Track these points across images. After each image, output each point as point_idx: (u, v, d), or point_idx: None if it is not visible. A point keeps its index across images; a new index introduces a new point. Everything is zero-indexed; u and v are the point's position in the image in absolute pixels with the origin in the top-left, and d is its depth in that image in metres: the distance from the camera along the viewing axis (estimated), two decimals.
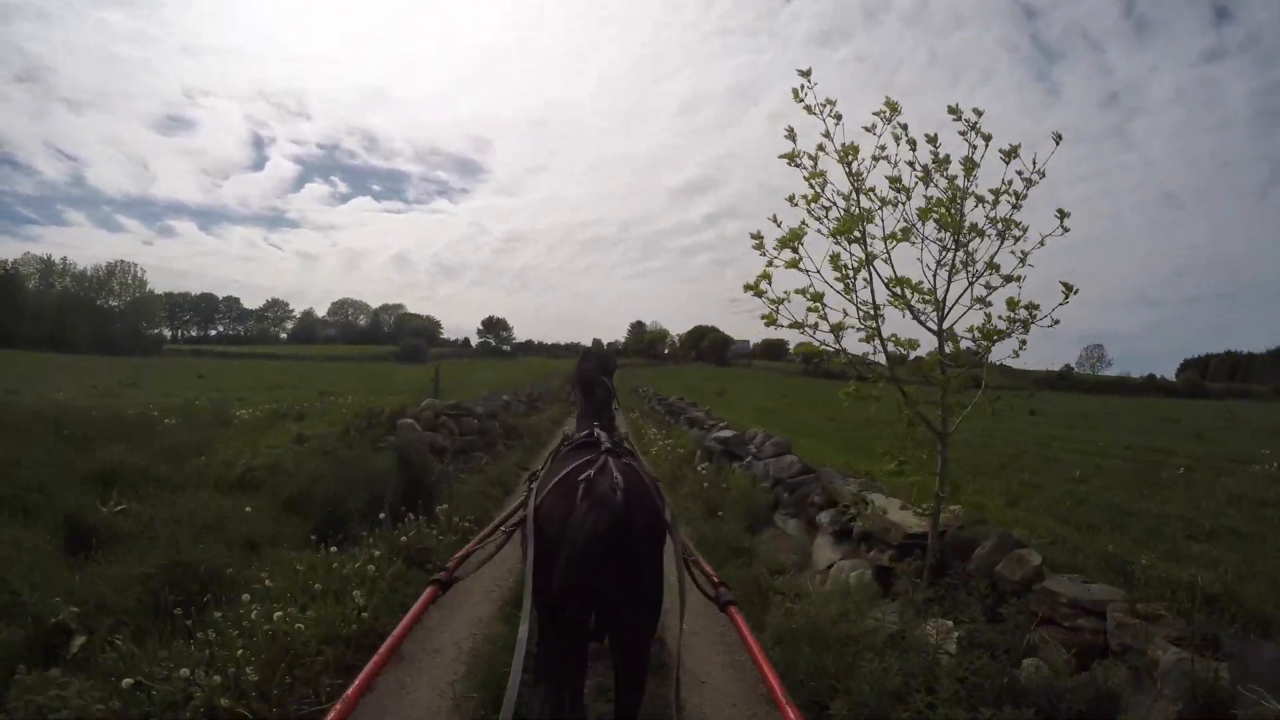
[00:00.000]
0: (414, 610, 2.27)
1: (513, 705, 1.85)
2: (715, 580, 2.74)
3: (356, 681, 1.80)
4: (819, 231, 4.41)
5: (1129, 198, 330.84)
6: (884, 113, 4.46)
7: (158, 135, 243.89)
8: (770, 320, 4.40)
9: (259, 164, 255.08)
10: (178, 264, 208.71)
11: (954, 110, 4.58)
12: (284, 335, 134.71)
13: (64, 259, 74.56)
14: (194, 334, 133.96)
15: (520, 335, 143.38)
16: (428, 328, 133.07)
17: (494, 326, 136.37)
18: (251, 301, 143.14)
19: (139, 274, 79.92)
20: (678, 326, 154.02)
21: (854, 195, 4.44)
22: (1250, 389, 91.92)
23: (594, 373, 3.56)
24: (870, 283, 4.45)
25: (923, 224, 4.59)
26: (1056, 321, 4.51)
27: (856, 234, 4.40)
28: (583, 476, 2.56)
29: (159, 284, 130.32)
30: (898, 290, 4.52)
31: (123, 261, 79.78)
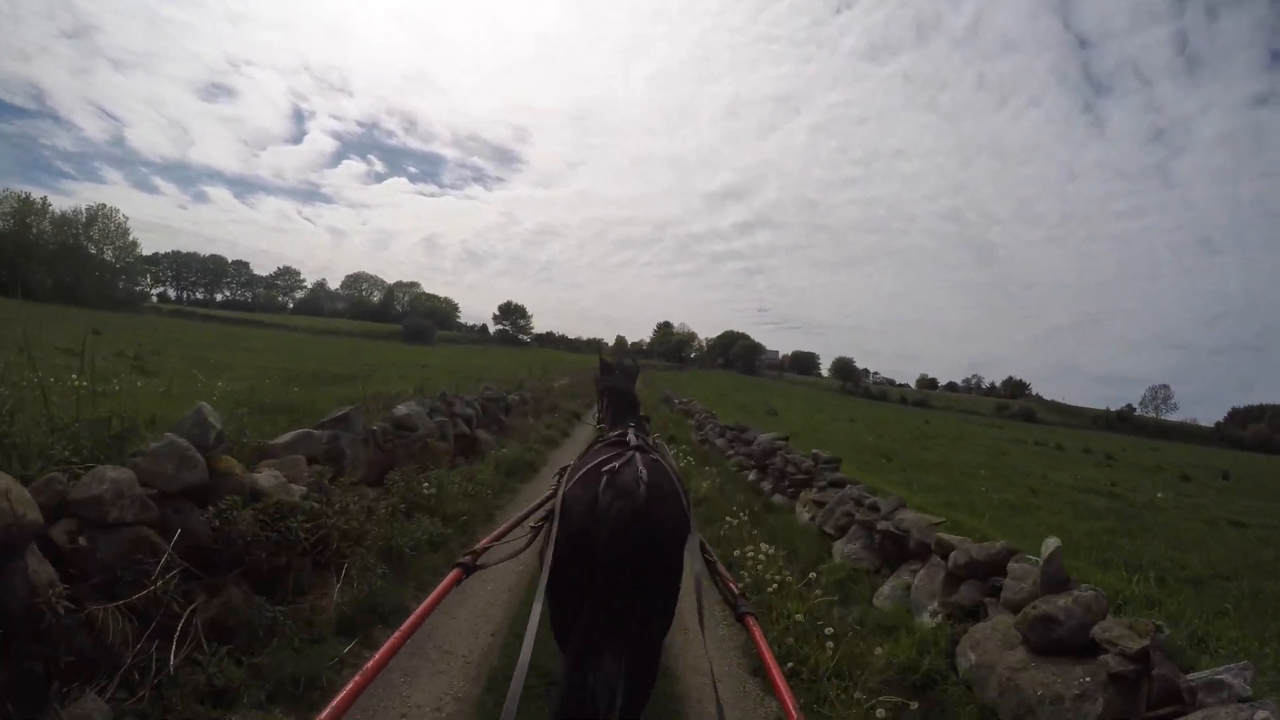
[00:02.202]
0: (438, 591, 2.21)
1: (522, 679, 1.76)
2: (735, 589, 2.69)
3: (377, 655, 1.79)
4: None
5: (1166, 238, 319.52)
6: None
7: (200, 101, 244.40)
8: None
9: (297, 137, 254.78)
10: (209, 229, 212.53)
11: None
12: (292, 305, 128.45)
13: (44, 199, 67.96)
14: (199, 296, 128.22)
15: (541, 327, 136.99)
16: (443, 310, 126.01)
17: (511, 313, 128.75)
18: (265, 268, 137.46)
19: (121, 221, 73.10)
20: (703, 332, 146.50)
21: None
22: None
23: (628, 383, 3.80)
24: None
25: None
26: None
27: None
28: (608, 468, 2.47)
29: (191, 248, 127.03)
30: None
31: (105, 206, 73.15)
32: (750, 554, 5.92)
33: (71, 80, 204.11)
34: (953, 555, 5.17)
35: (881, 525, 6.27)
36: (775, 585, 5.35)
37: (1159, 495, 14.03)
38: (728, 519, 7.22)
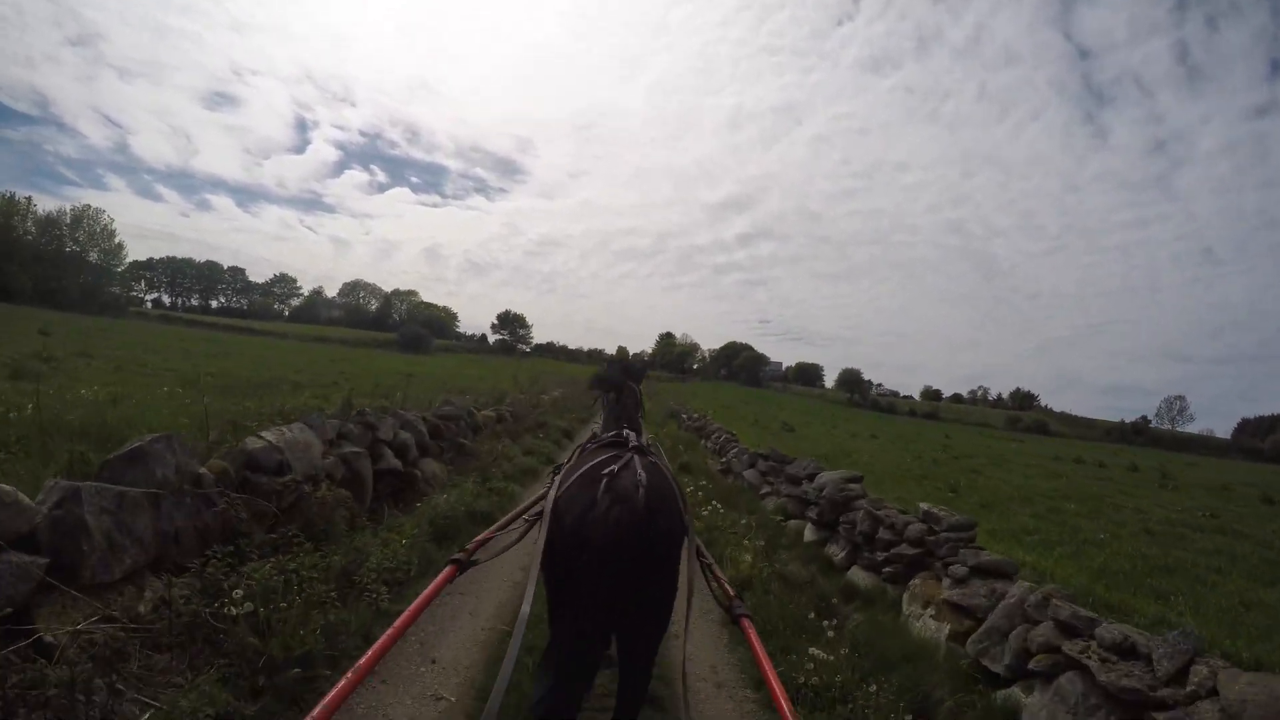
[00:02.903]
0: (432, 587, 2.19)
1: (505, 681, 1.75)
2: (730, 591, 2.65)
3: (370, 651, 1.77)
4: None
5: (1167, 249, 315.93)
6: None
7: (203, 109, 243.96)
8: None
9: (300, 147, 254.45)
10: (212, 238, 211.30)
11: None
12: (287, 313, 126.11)
13: (28, 199, 65.67)
14: (194, 303, 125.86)
15: (544, 338, 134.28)
16: (440, 319, 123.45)
17: (510, 323, 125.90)
18: (265, 277, 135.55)
19: (107, 223, 70.73)
20: (705, 343, 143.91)
21: None
22: None
23: (622, 378, 3.60)
24: None
25: None
26: None
27: None
28: (606, 471, 2.41)
29: (194, 256, 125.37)
30: None
31: (90, 208, 70.80)
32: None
33: (76, 87, 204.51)
34: None
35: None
36: None
37: None
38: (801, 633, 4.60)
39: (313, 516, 4.92)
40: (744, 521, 7.77)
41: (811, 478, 8.53)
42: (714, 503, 8.63)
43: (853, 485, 7.48)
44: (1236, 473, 38.66)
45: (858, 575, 6.40)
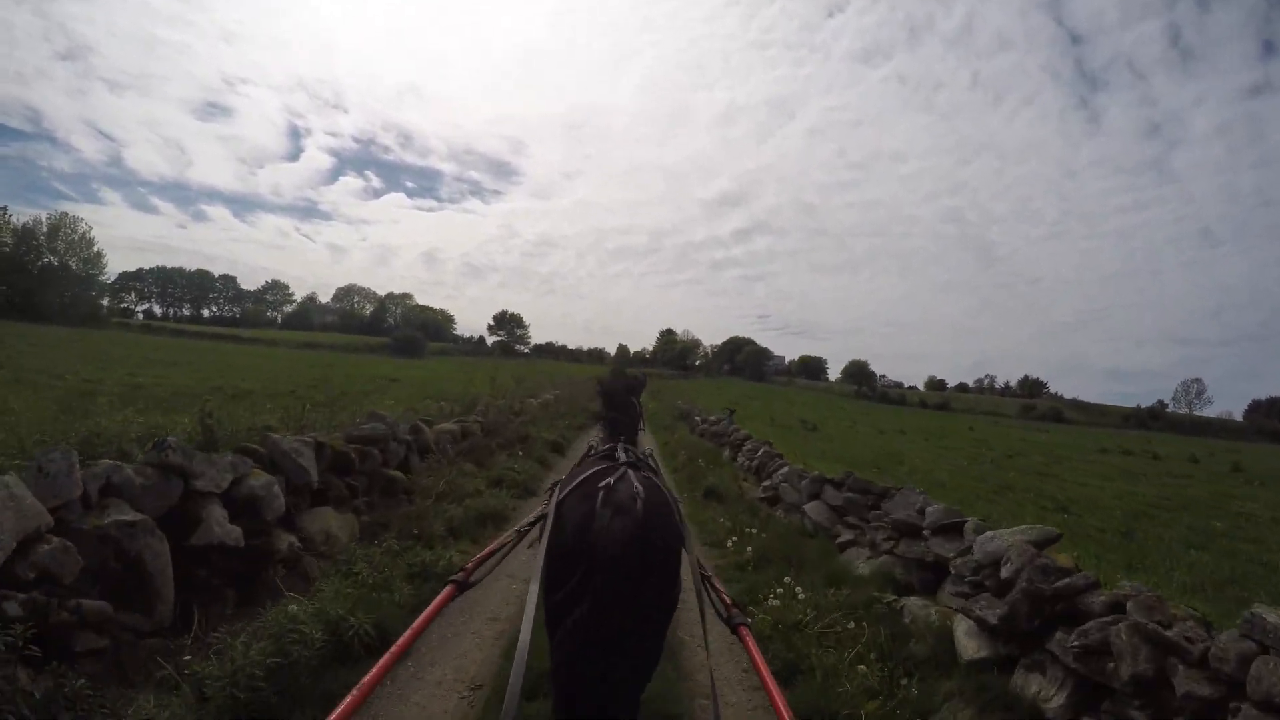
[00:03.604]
0: (431, 608, 2.21)
1: (517, 698, 1.70)
2: (728, 601, 2.63)
3: (372, 671, 1.77)
4: None
5: (1165, 231, 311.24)
6: None
7: (196, 120, 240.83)
8: None
9: (294, 154, 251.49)
10: (210, 249, 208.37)
11: None
12: (280, 320, 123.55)
13: (3, 209, 62.98)
14: (186, 313, 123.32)
15: (544, 338, 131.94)
16: (437, 321, 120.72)
17: (506, 323, 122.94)
18: (258, 284, 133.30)
19: (85, 231, 67.89)
20: (706, 339, 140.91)
21: None
22: None
23: (624, 394, 3.56)
24: None
25: None
26: None
27: None
28: (603, 484, 2.42)
29: (192, 267, 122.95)
30: None
31: (67, 216, 67.74)
32: None
33: (68, 102, 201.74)
34: None
35: None
36: None
37: None
38: None
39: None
40: (850, 626, 4.55)
41: (949, 532, 5.19)
42: (774, 569, 5.77)
43: (1056, 563, 3.93)
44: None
45: None
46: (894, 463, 12.83)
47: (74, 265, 67.96)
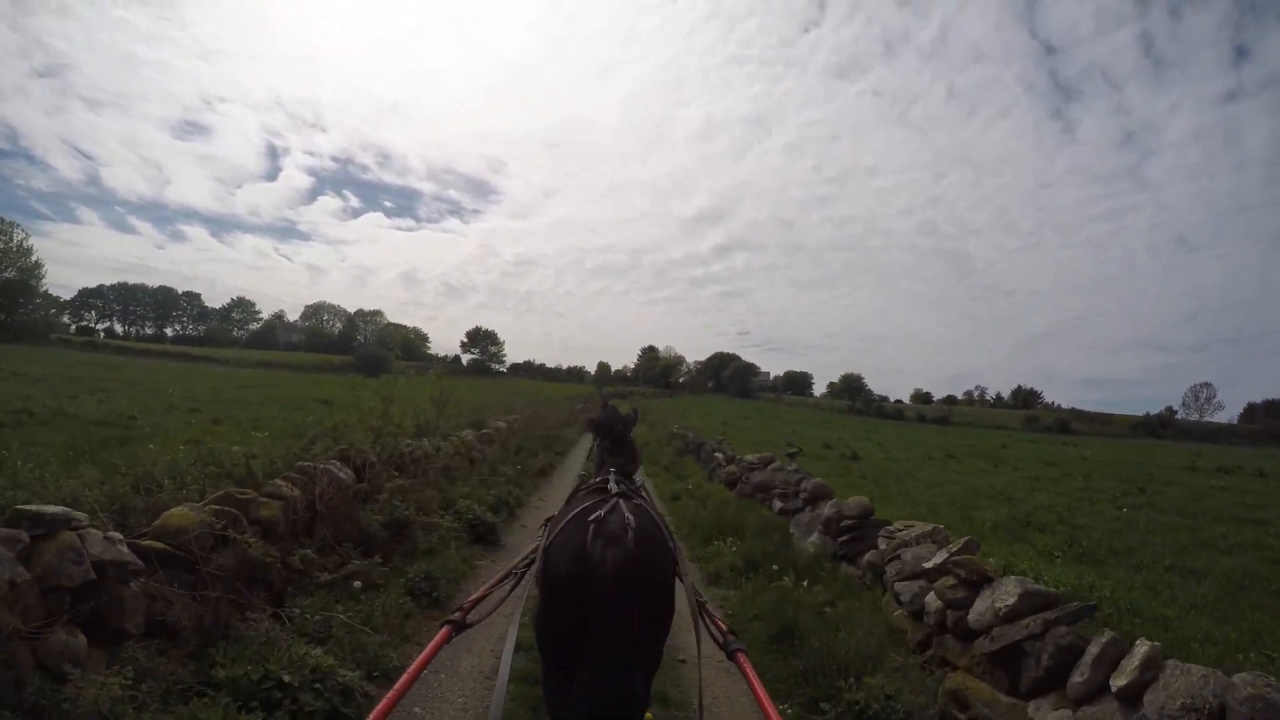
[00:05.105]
0: (428, 650, 2.23)
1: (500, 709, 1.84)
2: (723, 628, 2.68)
3: (372, 715, 1.81)
4: None
5: (1141, 239, 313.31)
6: None
7: (174, 139, 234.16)
8: None
9: (272, 174, 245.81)
10: (188, 269, 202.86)
11: None
12: (246, 338, 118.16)
13: None
14: (149, 331, 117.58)
15: (523, 357, 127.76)
16: (409, 340, 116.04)
17: (480, 340, 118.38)
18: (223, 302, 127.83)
19: (22, 239, 62.93)
20: (688, 356, 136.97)
21: None
22: None
23: (620, 430, 3.63)
24: None
25: None
26: None
27: None
28: (594, 516, 2.44)
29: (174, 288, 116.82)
30: None
31: (3, 220, 62.76)
32: None
33: (46, 120, 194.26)
34: None
35: None
36: None
37: None
38: None
39: None
40: None
41: None
42: None
43: None
44: None
45: None
46: (1022, 521, 8.84)
47: (10, 274, 62.94)
